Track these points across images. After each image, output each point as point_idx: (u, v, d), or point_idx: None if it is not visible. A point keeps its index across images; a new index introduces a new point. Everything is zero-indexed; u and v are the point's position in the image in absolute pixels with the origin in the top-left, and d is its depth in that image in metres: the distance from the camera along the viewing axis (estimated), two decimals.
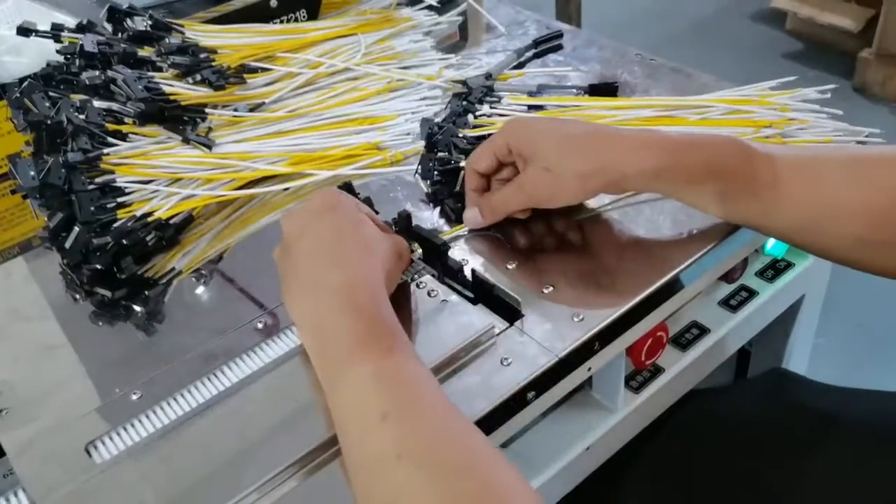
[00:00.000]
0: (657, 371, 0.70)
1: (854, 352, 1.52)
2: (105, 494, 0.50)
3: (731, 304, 0.75)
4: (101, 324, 0.63)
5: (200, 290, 0.66)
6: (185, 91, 0.73)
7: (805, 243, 0.59)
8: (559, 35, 0.92)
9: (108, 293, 0.65)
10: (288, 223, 0.56)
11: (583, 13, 1.89)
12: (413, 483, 0.42)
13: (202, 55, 0.76)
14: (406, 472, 0.42)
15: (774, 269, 0.78)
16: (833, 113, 0.75)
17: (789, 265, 0.78)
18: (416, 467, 0.42)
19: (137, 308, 0.64)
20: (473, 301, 0.61)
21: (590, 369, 0.59)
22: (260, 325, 0.60)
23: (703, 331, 0.73)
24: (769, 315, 0.79)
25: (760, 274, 0.78)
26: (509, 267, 0.63)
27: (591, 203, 0.68)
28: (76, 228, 0.64)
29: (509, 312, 0.60)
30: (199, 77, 0.74)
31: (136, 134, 0.70)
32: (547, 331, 0.58)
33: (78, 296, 0.66)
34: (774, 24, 2.53)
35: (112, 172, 0.66)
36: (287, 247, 0.55)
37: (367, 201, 0.70)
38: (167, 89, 0.72)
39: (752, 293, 0.76)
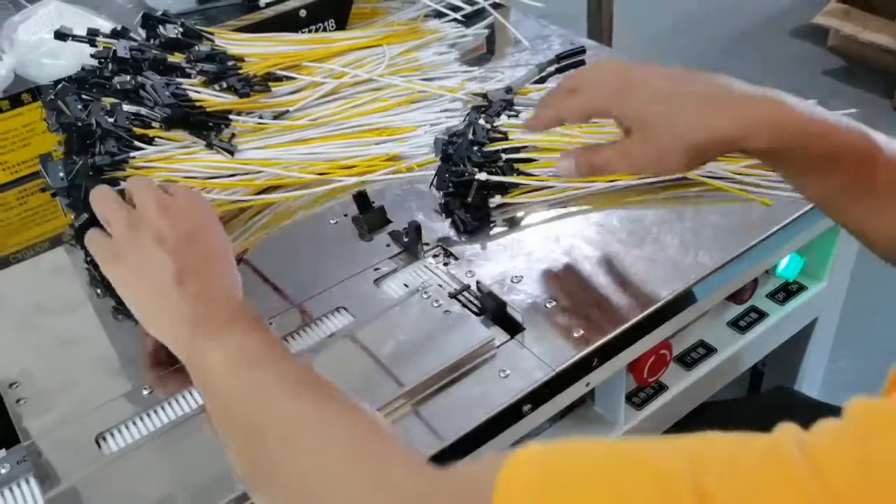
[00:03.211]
0: (661, 388, 0.70)
1: (880, 377, 1.50)
2: (112, 484, 0.52)
3: (740, 324, 0.75)
4: (118, 320, 0.66)
5: None
6: (211, 98, 0.75)
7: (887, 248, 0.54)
8: (582, 50, 0.93)
9: None
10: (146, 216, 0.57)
11: (621, 24, 1.89)
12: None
13: (230, 63, 0.79)
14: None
15: (786, 292, 0.78)
16: None
17: (802, 288, 0.78)
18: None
19: None
20: (477, 313, 0.62)
21: (588, 384, 0.60)
22: (271, 325, 0.62)
23: (709, 350, 0.73)
24: (779, 337, 0.79)
25: (772, 296, 0.78)
26: (514, 281, 0.64)
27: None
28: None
29: (511, 325, 0.61)
30: (225, 84, 0.77)
31: (162, 138, 0.73)
32: (546, 345, 0.59)
33: (99, 292, 0.68)
34: (816, 40, 2.50)
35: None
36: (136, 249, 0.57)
37: (381, 210, 0.72)
38: (194, 95, 0.74)
39: (762, 315, 0.76)
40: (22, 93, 0.81)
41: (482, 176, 0.70)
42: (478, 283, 0.64)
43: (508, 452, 0.33)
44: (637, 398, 0.70)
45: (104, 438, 0.55)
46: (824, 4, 2.42)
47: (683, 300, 0.63)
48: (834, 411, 0.73)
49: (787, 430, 0.31)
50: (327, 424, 0.44)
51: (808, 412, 0.73)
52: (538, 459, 0.33)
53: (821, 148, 0.51)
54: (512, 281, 0.64)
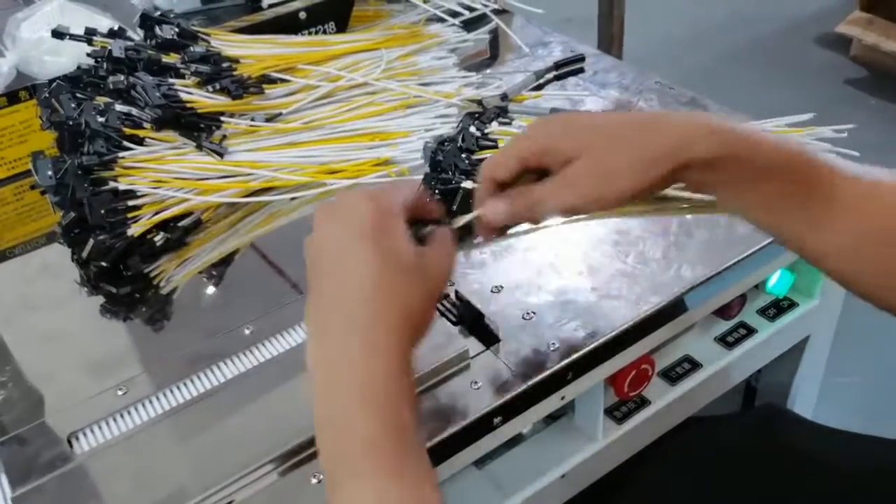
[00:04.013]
0: (643, 403, 0.70)
1: (878, 396, 1.47)
2: (80, 484, 0.53)
3: (728, 340, 0.74)
4: (101, 319, 0.66)
5: (200, 292, 0.69)
6: (203, 99, 0.76)
7: (842, 271, 0.52)
8: (581, 58, 0.93)
9: (112, 290, 0.68)
10: (327, 225, 0.47)
11: (635, 30, 1.87)
12: None
13: (224, 64, 0.79)
14: None
15: (777, 308, 0.77)
16: (847, 154, 0.74)
17: (793, 304, 0.77)
18: None
19: (138, 306, 0.67)
20: (454, 322, 0.62)
21: (563, 398, 0.60)
22: (248, 332, 0.63)
23: (695, 365, 0.72)
24: (769, 354, 0.78)
25: (762, 312, 0.77)
26: (494, 291, 0.64)
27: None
28: (91, 240, 0.67)
29: (488, 336, 0.61)
30: (218, 86, 0.77)
31: (152, 139, 0.73)
32: (521, 357, 0.59)
33: (84, 290, 0.69)
34: (838, 49, 2.46)
35: (116, 179, 0.69)
36: (320, 253, 0.47)
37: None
38: (185, 97, 0.75)
39: (750, 331, 0.75)
40: (20, 90, 0.81)
41: (468, 184, 0.70)
42: (456, 292, 0.63)
43: None
44: (618, 412, 0.69)
45: (76, 438, 0.56)
46: (847, 13, 2.39)
47: (664, 315, 0.63)
48: (821, 431, 0.73)
49: None
50: None
51: (796, 431, 0.72)
52: None
53: (760, 155, 0.50)
54: (492, 291, 0.64)
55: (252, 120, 0.79)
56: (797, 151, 0.51)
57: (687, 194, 0.60)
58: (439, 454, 0.55)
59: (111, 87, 0.75)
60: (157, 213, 0.70)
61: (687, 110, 0.83)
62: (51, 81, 0.76)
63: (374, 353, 0.42)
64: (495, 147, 0.75)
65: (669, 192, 0.60)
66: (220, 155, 0.74)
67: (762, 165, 0.50)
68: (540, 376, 0.57)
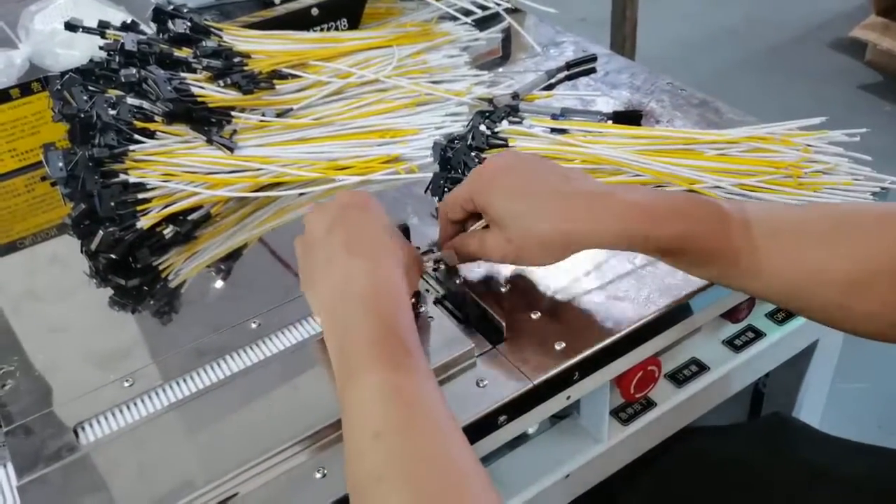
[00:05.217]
0: (649, 405, 0.69)
1: (886, 404, 1.47)
2: (86, 475, 0.53)
3: (736, 343, 0.74)
4: (109, 311, 0.67)
5: (207, 286, 0.69)
6: (214, 94, 0.76)
7: (788, 307, 0.58)
8: (593, 58, 0.92)
9: (121, 282, 0.69)
10: (317, 215, 0.57)
11: (652, 32, 1.87)
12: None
13: (236, 59, 0.79)
14: (384, 497, 0.41)
15: (786, 312, 0.76)
16: (859, 158, 0.74)
17: None
18: (394, 492, 0.41)
19: (146, 299, 0.67)
20: (461, 320, 0.62)
21: (569, 398, 0.60)
22: (254, 325, 0.63)
23: (702, 368, 0.72)
24: (777, 358, 0.78)
25: (771, 316, 0.76)
26: (502, 290, 0.64)
27: None
28: (101, 232, 0.68)
29: (494, 335, 0.60)
30: (229, 80, 0.77)
31: (163, 132, 0.74)
32: (527, 356, 0.59)
33: (93, 282, 0.69)
34: (853, 54, 2.45)
35: (127, 172, 0.69)
36: (314, 239, 0.56)
37: (404, 229, 0.69)
38: (197, 91, 0.75)
39: (759, 334, 0.75)
40: (32, 82, 0.82)
41: None
42: (464, 290, 0.63)
43: None
44: (624, 413, 0.69)
45: (83, 428, 0.56)
46: (863, 18, 2.38)
47: (671, 317, 0.62)
48: (829, 442, 0.72)
49: None
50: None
51: (803, 441, 0.72)
52: None
53: (677, 228, 0.53)
54: (499, 289, 0.64)
55: (263, 115, 0.79)
56: (712, 219, 0.54)
57: None
58: None
59: (123, 80, 0.75)
60: (166, 207, 0.70)
61: (699, 111, 0.83)
62: (63, 74, 0.76)
63: (376, 270, 0.52)
64: (505, 145, 0.75)
65: None
66: (231, 149, 0.74)
67: (674, 241, 0.54)
68: (546, 375, 0.57)
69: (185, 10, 0.83)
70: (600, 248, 0.57)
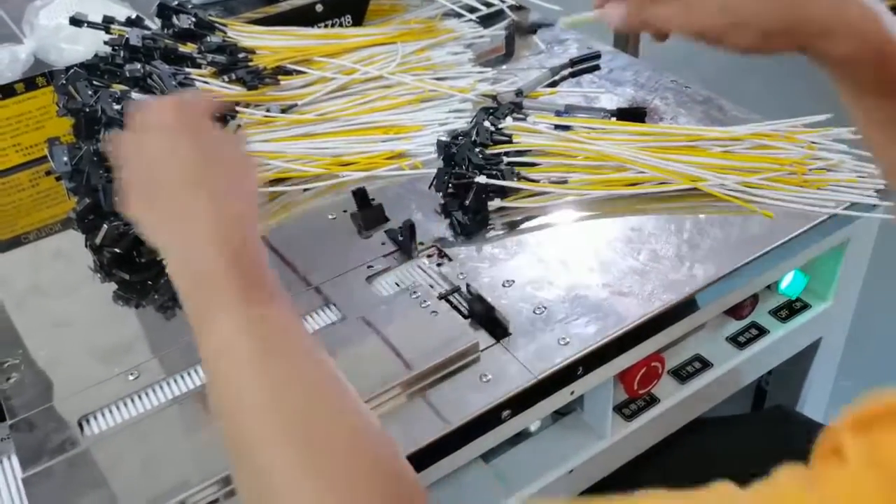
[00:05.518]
0: (652, 401, 0.69)
1: None
2: (90, 467, 0.53)
3: (739, 340, 0.74)
4: (113, 305, 0.67)
5: None
6: (219, 89, 0.76)
7: None
8: (597, 55, 0.92)
9: (125, 276, 0.69)
10: (157, 133, 0.51)
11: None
12: (271, 433, 0.40)
13: (240, 55, 0.79)
14: (264, 422, 0.40)
15: (789, 310, 0.76)
16: (863, 155, 0.74)
17: (805, 306, 0.77)
18: (278, 419, 0.40)
19: (150, 293, 0.68)
20: (465, 315, 0.62)
21: (573, 393, 0.60)
22: None
23: (705, 365, 0.72)
24: (781, 355, 0.78)
25: (774, 313, 0.76)
26: (506, 285, 0.64)
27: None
28: (105, 226, 0.68)
29: (498, 330, 0.60)
30: (234, 76, 0.77)
31: None
32: (531, 351, 0.59)
33: (97, 276, 0.69)
34: None
35: None
36: (151, 156, 0.50)
37: (379, 208, 0.72)
38: (201, 86, 0.75)
39: (762, 331, 0.75)
40: (37, 76, 0.82)
41: (481, 179, 0.70)
42: (468, 285, 0.63)
43: None
44: (627, 409, 0.69)
45: (87, 421, 0.56)
46: None
47: (675, 313, 0.62)
48: None
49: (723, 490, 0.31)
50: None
51: (803, 433, 0.72)
52: None
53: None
54: (503, 285, 0.64)
55: (267, 111, 0.79)
56: None
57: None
58: (447, 446, 0.55)
59: (128, 75, 0.75)
60: None
61: (703, 108, 0.83)
62: (68, 68, 0.76)
63: (217, 202, 0.47)
64: (509, 142, 0.75)
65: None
66: None
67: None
68: (550, 371, 0.57)
69: (190, 6, 0.83)
70: (821, 45, 0.51)
